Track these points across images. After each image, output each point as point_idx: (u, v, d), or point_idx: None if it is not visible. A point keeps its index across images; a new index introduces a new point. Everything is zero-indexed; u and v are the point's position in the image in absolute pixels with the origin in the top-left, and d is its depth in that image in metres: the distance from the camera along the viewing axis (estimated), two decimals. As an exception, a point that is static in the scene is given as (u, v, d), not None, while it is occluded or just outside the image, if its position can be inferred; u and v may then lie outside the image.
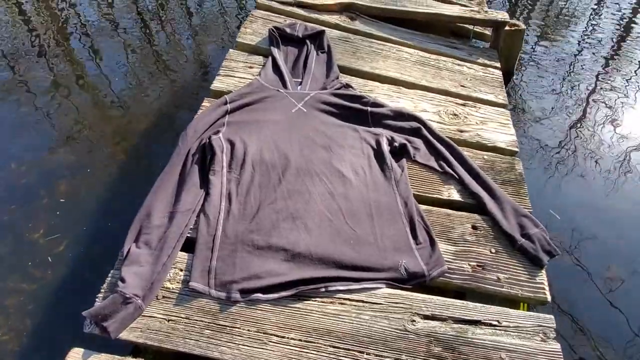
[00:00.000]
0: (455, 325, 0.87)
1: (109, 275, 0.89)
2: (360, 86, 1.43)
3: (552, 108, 2.04)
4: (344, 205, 1.05)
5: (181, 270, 0.91)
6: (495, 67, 1.68)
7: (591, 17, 2.84)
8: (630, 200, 1.65)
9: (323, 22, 1.70)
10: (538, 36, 2.57)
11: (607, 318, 1.27)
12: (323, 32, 1.56)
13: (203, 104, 1.29)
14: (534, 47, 2.45)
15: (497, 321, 0.88)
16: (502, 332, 0.87)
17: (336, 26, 1.70)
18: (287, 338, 0.83)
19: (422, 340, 0.85)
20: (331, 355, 0.81)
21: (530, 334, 0.87)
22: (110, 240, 1.29)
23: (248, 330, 0.83)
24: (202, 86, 1.98)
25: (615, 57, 2.48)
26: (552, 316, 0.90)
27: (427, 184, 1.16)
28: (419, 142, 1.24)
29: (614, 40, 2.62)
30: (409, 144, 1.22)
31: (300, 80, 1.39)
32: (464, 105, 1.45)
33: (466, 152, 1.22)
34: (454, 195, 1.14)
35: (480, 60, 1.69)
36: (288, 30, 1.53)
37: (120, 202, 1.45)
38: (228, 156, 1.10)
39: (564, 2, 2.99)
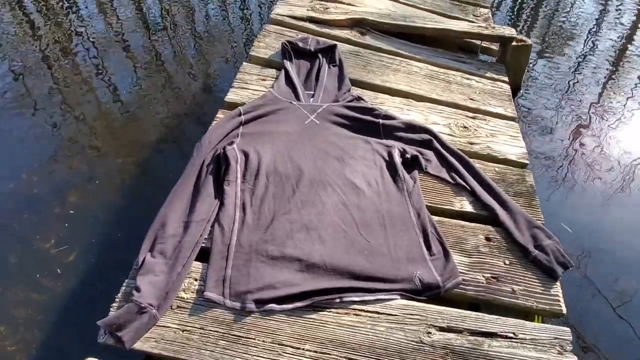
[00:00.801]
0: (471, 338, 0.86)
1: (124, 284, 0.89)
2: (371, 99, 1.45)
3: (557, 121, 2.05)
4: (357, 215, 1.05)
5: (196, 279, 0.91)
6: (503, 81, 1.70)
7: (593, 30, 2.88)
8: (637, 212, 1.64)
9: (334, 36, 1.73)
10: (540, 50, 2.60)
11: (617, 332, 1.26)
12: (335, 46, 1.59)
13: (217, 115, 1.31)
14: (536, 60, 2.48)
15: (513, 333, 0.87)
16: (519, 344, 0.86)
17: (347, 40, 1.74)
18: (303, 349, 0.82)
19: (438, 353, 0.84)
20: (347, 368, 0.81)
21: (546, 346, 0.86)
22: (120, 250, 1.29)
23: (263, 341, 0.83)
24: (209, 98, 2.00)
25: (619, 68, 2.51)
26: (568, 329, 0.89)
27: (439, 195, 1.17)
28: (430, 154, 1.25)
29: (617, 52, 2.66)
30: (420, 156, 1.22)
31: (312, 92, 1.41)
32: (473, 118, 1.47)
33: (477, 164, 1.23)
34: (466, 206, 1.14)
35: (489, 75, 1.72)
36: (300, 44, 1.56)
37: (129, 213, 1.46)
38: (242, 167, 1.11)
39: (565, 16, 3.04)
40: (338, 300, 0.89)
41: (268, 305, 0.87)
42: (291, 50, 1.54)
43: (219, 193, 1.05)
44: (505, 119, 1.50)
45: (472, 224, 1.10)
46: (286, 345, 0.82)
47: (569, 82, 2.34)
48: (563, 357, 0.85)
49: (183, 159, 1.14)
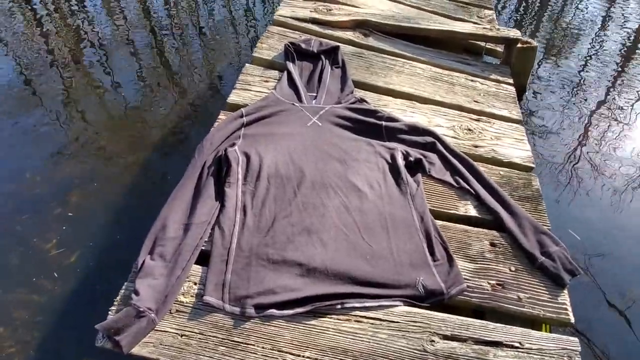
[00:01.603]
0: (476, 347, 0.84)
1: (123, 287, 0.87)
2: (374, 101, 1.44)
3: (564, 123, 2.03)
4: (359, 219, 1.03)
5: (195, 283, 0.89)
6: (508, 84, 1.68)
7: (598, 31, 2.85)
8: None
9: (337, 38, 1.72)
10: (544, 52, 2.58)
11: (627, 343, 1.23)
12: (337, 47, 1.57)
13: (219, 116, 1.30)
14: (540, 62, 2.46)
15: (519, 343, 0.85)
16: (525, 354, 0.84)
17: (350, 42, 1.72)
18: (302, 357, 0.81)
19: (442, 362, 0.82)
20: (348, 376, 0.79)
21: (554, 357, 0.84)
22: (120, 251, 1.29)
23: (262, 347, 0.81)
24: (213, 100, 2.00)
25: (626, 69, 2.48)
26: (576, 339, 0.87)
27: (443, 199, 1.15)
28: (434, 156, 1.23)
29: (622, 54, 2.62)
30: (424, 159, 1.21)
31: (315, 94, 1.40)
32: (478, 120, 1.45)
33: (482, 168, 1.21)
34: (471, 211, 1.12)
35: (493, 77, 1.70)
36: (303, 45, 1.55)
37: (131, 214, 1.45)
38: (244, 169, 1.10)
39: (570, 18, 3.01)
40: (339, 306, 0.87)
41: (268, 311, 0.85)
42: (294, 52, 1.53)
43: (220, 195, 1.04)
44: (510, 122, 1.48)
45: (477, 229, 1.08)
46: (286, 352, 0.81)
47: (575, 83, 2.31)
48: (571, 367, 0.83)
49: (185, 160, 1.13)
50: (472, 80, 1.65)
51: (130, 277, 0.89)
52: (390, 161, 1.19)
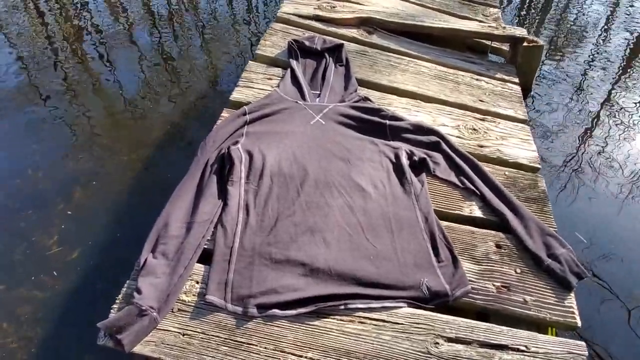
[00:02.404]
0: (481, 350, 0.83)
1: (125, 285, 0.87)
2: (378, 99, 1.43)
3: (570, 123, 2.01)
4: (363, 219, 1.02)
5: (197, 282, 0.89)
6: (514, 83, 1.67)
7: (604, 30, 2.82)
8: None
9: (341, 35, 1.71)
10: (551, 50, 2.55)
11: (636, 347, 1.21)
12: (341, 45, 1.56)
13: (222, 114, 1.29)
14: (546, 61, 2.43)
15: (525, 346, 0.84)
16: (531, 358, 0.83)
17: (354, 40, 1.71)
18: (305, 357, 0.80)
19: (446, 365, 0.81)
20: (351, 377, 0.78)
21: (560, 361, 0.83)
22: (123, 249, 1.28)
23: (265, 348, 0.80)
24: (215, 97, 1.99)
25: (633, 68, 2.45)
26: (583, 343, 0.85)
27: (447, 199, 1.14)
28: (438, 156, 1.22)
29: (629, 52, 2.59)
30: (428, 158, 1.19)
31: (318, 92, 1.39)
32: (483, 120, 1.43)
33: (487, 168, 1.20)
34: (476, 211, 1.11)
35: (499, 76, 1.68)
36: (307, 43, 1.53)
37: (133, 212, 1.45)
38: (246, 167, 1.09)
39: (574, 16, 2.98)
40: (342, 307, 0.86)
41: (271, 311, 0.84)
42: (297, 49, 1.52)
43: (223, 193, 1.03)
44: (516, 121, 1.46)
45: (482, 230, 1.06)
46: (288, 353, 0.80)
47: (581, 82, 2.29)
48: (577, 372, 0.81)
49: (188, 157, 1.13)
50: (477, 79, 1.63)
51: (133, 275, 0.88)
52: (394, 160, 1.18)
